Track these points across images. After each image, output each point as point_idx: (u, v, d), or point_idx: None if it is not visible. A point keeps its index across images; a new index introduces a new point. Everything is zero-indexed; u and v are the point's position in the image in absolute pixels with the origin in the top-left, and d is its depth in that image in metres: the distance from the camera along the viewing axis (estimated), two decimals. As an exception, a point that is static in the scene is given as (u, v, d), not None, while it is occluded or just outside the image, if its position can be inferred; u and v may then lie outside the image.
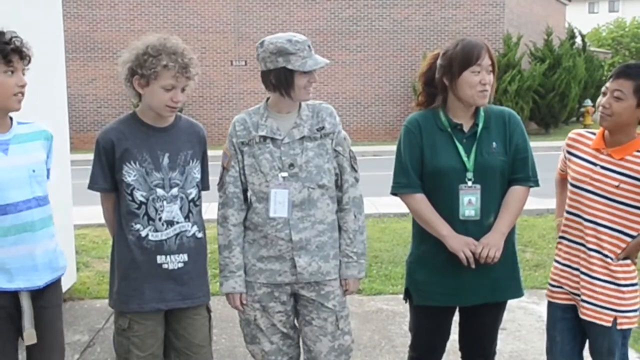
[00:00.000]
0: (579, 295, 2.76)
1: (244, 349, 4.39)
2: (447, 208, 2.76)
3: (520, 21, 21.48)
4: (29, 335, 2.57)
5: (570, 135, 2.89)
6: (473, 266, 2.69)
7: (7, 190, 2.49)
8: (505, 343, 3.09)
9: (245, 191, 2.84)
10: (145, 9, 19.11)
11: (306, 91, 2.72)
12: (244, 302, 2.84)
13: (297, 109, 2.79)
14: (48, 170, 2.75)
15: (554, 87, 20.77)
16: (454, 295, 2.82)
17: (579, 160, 2.78)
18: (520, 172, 2.80)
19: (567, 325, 2.85)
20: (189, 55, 2.67)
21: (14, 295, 2.56)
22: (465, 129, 2.78)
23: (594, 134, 2.80)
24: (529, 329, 4.62)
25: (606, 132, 2.72)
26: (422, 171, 2.80)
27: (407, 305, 3.02)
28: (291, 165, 2.72)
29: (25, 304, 2.56)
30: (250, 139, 2.77)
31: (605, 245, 2.70)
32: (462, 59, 2.70)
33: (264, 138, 2.75)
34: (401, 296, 3.09)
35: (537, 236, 7.33)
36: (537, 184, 2.85)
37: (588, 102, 22.57)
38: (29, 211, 2.54)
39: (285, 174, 2.72)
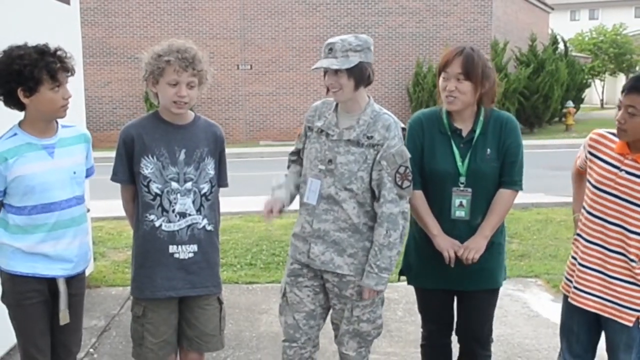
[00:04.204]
0: (599, 297, 2.65)
1: (250, 333, 4.42)
2: (440, 207, 2.77)
3: (507, 28, 21.44)
4: (64, 316, 2.65)
5: (592, 135, 2.70)
6: (452, 265, 2.72)
7: (52, 190, 2.57)
8: (493, 328, 3.10)
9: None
10: (157, 16, 19.06)
11: (329, 91, 2.68)
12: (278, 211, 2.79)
13: (360, 110, 2.71)
14: (88, 169, 2.80)
15: (538, 90, 20.74)
16: (441, 280, 2.84)
17: (602, 163, 2.62)
18: (507, 175, 2.76)
19: (585, 319, 2.74)
20: (193, 53, 2.60)
21: (50, 281, 2.62)
22: (464, 133, 2.75)
23: (615, 135, 2.60)
24: (514, 315, 4.63)
25: None
26: (421, 169, 2.79)
27: (401, 292, 3.02)
28: (330, 161, 2.69)
29: (62, 288, 2.64)
30: (313, 126, 2.79)
31: (631, 249, 2.56)
32: (439, 65, 2.74)
33: (320, 130, 2.75)
34: (395, 284, 3.10)
35: (522, 228, 7.33)
36: (521, 188, 2.82)
37: (570, 103, 22.50)
38: (70, 209, 2.62)
39: (323, 167, 2.71)
